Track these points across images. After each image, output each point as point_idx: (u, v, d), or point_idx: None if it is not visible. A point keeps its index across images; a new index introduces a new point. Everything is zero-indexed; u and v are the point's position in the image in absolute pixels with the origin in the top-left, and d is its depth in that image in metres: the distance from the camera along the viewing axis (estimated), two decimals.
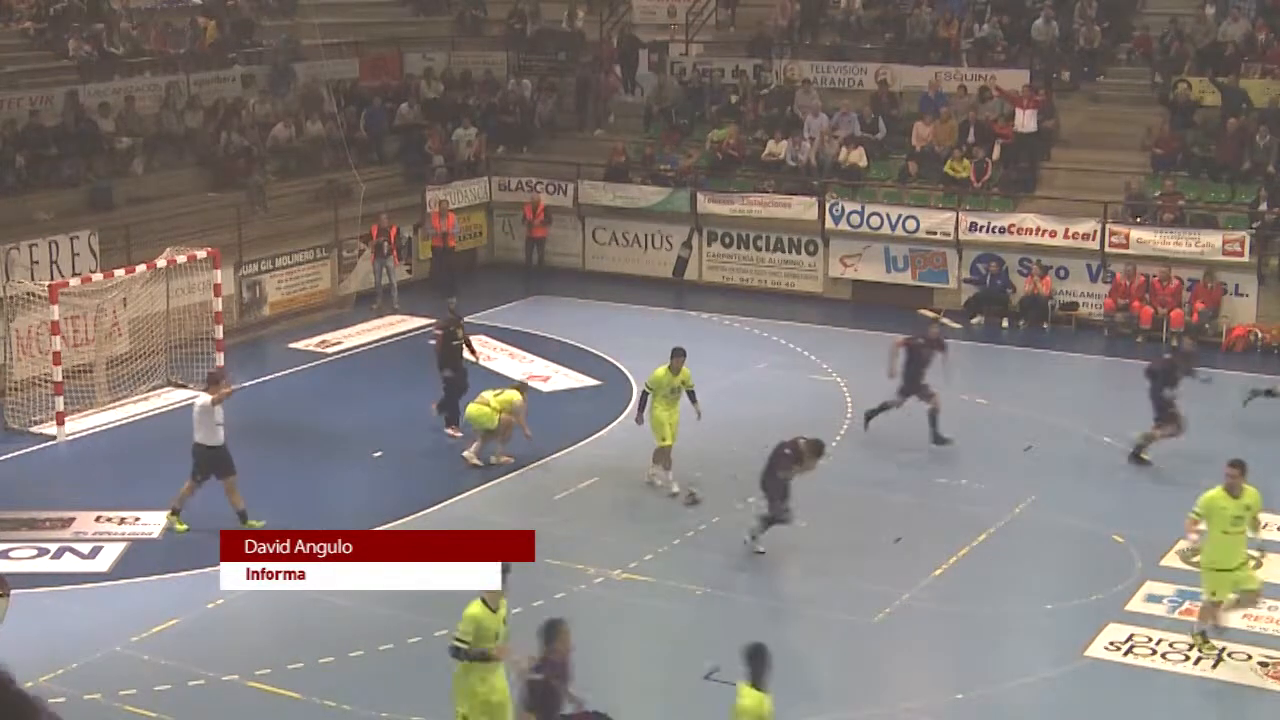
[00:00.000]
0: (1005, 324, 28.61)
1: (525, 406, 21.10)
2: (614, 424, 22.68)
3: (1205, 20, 31.89)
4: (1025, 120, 30.30)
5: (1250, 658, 15.52)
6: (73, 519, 19.11)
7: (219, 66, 33.12)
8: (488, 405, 20.92)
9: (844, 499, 19.93)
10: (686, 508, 19.42)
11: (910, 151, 31.25)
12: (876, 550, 18.39)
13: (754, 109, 33.26)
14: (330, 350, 27.17)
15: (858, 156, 31.19)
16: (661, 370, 19.87)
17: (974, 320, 28.73)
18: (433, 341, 22.90)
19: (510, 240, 33.40)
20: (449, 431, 22.15)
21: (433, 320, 28.81)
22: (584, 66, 35.73)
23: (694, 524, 19.03)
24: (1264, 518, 18.92)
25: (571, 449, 21.77)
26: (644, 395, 20.08)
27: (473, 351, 22.96)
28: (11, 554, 18.11)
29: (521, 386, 21.76)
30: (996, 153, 30.42)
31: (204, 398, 18.42)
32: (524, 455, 21.26)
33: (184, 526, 18.62)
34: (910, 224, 29.71)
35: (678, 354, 20.02)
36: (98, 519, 19.11)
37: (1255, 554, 16.47)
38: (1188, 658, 15.53)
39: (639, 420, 20.23)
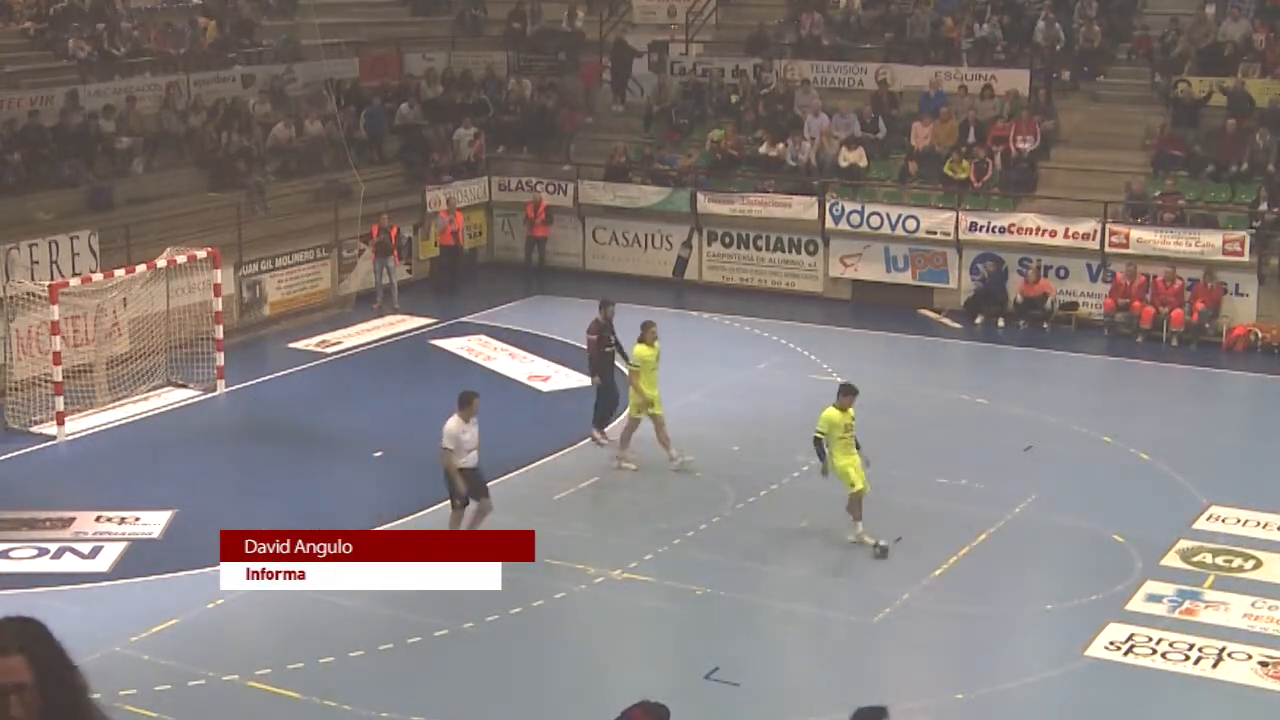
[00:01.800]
0: (1003, 324, 28.58)
1: (653, 356, 20.51)
2: (614, 424, 22.66)
3: (1205, 20, 31.87)
4: (1025, 141, 30.32)
5: (1250, 658, 15.52)
6: (73, 519, 19.10)
7: (219, 66, 33.09)
8: (637, 380, 20.47)
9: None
10: (876, 559, 18.01)
11: (910, 151, 31.24)
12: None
13: (754, 109, 33.24)
14: (330, 350, 27.14)
15: (858, 156, 31.18)
16: (831, 411, 18.17)
17: (974, 320, 28.73)
18: (591, 339, 21.87)
19: (510, 240, 33.39)
20: (595, 435, 21.53)
21: (435, 319, 29.12)
22: (559, 83, 35.39)
23: (694, 524, 19.02)
24: (1263, 518, 19.14)
25: (571, 449, 21.75)
26: (818, 442, 18.21)
27: (625, 359, 21.34)
28: (11, 554, 18.13)
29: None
30: (998, 160, 30.37)
31: (454, 419, 17.47)
32: (524, 455, 21.26)
33: None
34: (910, 224, 29.69)
35: (847, 391, 18.30)
36: (98, 519, 19.09)
37: None
38: (1187, 658, 15.53)
39: (825, 472, 18.26)
